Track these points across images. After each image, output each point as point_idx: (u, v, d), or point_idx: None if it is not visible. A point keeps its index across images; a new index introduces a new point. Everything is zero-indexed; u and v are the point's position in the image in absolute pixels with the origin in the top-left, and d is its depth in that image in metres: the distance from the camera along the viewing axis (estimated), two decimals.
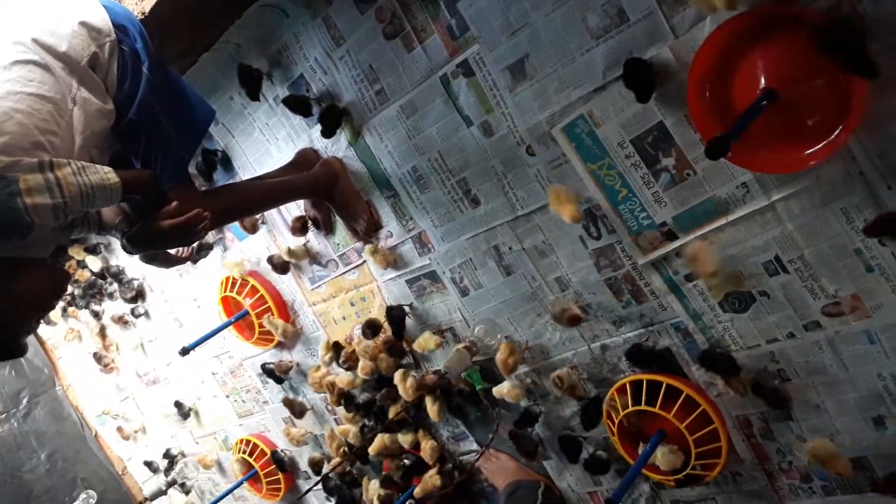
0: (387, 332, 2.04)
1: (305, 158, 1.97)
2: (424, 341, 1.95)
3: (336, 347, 2.25)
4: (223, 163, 2.27)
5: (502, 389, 1.83)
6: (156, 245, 1.50)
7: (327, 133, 1.86)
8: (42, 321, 1.60)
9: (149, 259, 1.62)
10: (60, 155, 1.19)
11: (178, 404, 3.24)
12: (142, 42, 1.39)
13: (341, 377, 2.25)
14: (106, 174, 1.22)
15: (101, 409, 3.79)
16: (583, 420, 1.74)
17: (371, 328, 2.05)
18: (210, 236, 2.50)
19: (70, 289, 3.32)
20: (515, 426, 1.91)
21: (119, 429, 3.70)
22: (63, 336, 3.63)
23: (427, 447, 2.14)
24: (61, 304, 3.44)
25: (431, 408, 2.03)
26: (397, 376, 2.02)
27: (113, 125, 1.37)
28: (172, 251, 1.72)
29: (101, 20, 1.34)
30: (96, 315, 3.37)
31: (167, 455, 3.48)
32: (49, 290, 1.32)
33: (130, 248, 1.42)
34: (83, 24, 1.30)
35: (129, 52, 1.36)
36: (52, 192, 1.13)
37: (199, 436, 3.35)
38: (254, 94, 1.92)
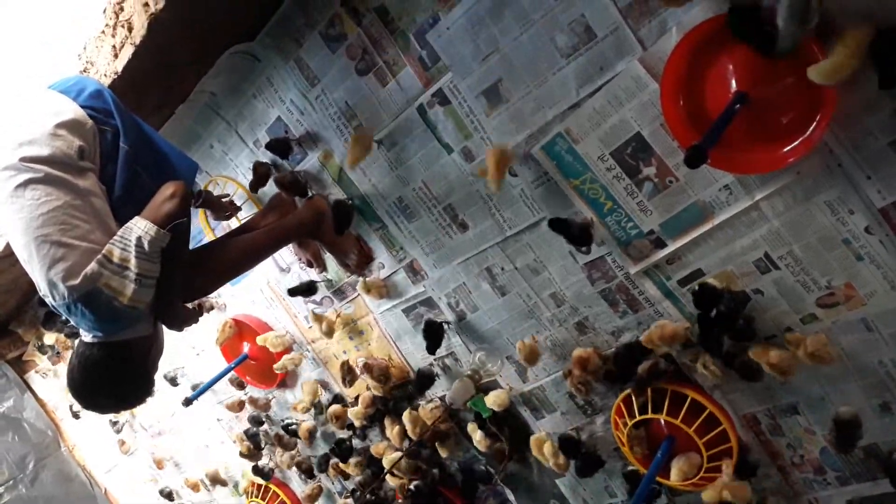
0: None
1: (279, 201, 1.97)
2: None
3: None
4: None
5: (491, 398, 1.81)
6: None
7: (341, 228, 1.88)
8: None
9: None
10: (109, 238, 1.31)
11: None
12: (118, 113, 1.42)
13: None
14: (136, 224, 1.31)
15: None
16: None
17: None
18: None
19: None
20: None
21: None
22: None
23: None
24: None
25: (441, 447, 2.03)
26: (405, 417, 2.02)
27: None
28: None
29: (74, 111, 1.37)
30: None
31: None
32: (161, 347, 1.58)
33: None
34: (59, 125, 1.33)
35: (111, 131, 1.40)
36: (125, 276, 1.27)
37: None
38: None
